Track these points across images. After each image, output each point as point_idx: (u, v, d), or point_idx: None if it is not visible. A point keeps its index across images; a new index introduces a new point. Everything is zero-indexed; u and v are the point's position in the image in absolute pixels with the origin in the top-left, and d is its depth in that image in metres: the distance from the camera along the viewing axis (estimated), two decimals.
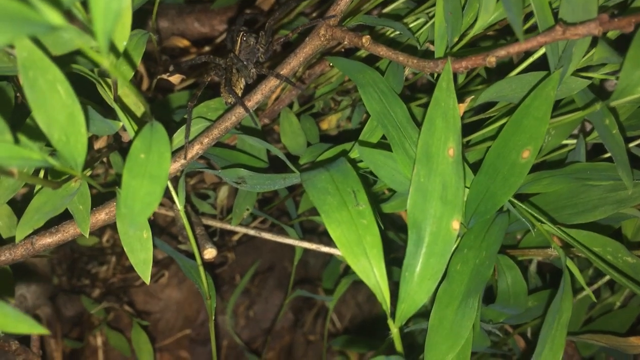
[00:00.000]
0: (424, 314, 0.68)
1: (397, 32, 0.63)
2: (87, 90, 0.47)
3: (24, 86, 0.35)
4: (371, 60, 0.62)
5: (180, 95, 0.74)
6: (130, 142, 0.41)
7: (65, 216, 0.49)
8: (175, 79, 0.65)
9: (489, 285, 0.65)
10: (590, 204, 0.53)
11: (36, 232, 0.49)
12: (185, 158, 0.51)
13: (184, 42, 0.83)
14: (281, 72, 0.52)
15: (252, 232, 0.70)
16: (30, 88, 0.35)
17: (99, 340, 0.87)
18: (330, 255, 0.94)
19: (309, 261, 1.01)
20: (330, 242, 0.62)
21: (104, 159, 0.71)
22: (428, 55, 0.63)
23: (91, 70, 0.49)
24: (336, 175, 0.46)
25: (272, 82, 0.53)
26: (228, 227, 0.71)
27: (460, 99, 0.52)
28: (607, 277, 0.70)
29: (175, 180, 0.56)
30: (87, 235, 0.48)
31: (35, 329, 0.29)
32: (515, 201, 0.52)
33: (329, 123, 0.81)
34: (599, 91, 0.55)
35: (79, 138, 0.38)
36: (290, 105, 0.75)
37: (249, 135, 0.57)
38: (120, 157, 0.67)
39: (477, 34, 0.56)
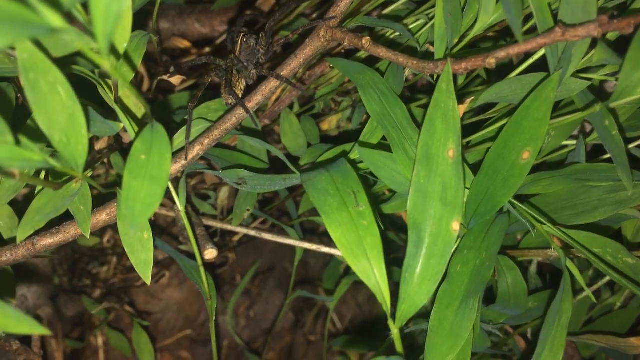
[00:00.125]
0: (424, 314, 0.68)
1: (397, 34, 0.64)
2: (87, 91, 0.47)
3: (25, 88, 0.35)
4: (371, 61, 0.62)
5: (180, 96, 0.74)
6: (131, 143, 0.41)
7: (66, 217, 0.49)
8: (175, 80, 0.65)
9: (489, 286, 0.65)
10: (590, 205, 0.52)
11: (37, 233, 0.49)
12: (186, 159, 0.51)
13: (184, 43, 0.83)
14: (281, 73, 0.52)
15: (252, 233, 0.70)
16: (31, 89, 0.35)
17: (100, 341, 0.87)
18: (331, 256, 0.94)
19: (310, 262, 1.01)
20: (330, 243, 0.62)
21: (105, 160, 0.71)
22: (428, 56, 0.63)
23: (92, 72, 0.49)
24: (336, 176, 0.46)
25: (272, 83, 0.53)
26: (229, 227, 0.71)
27: (460, 100, 0.52)
28: (607, 278, 0.70)
29: (176, 181, 0.56)
30: (88, 236, 0.48)
31: (36, 329, 0.29)
32: (516, 202, 0.52)
33: (329, 124, 0.81)
34: (599, 92, 0.55)
35: (79, 139, 0.38)
36: (291, 106, 0.75)
37: (249, 136, 0.58)
38: (121, 158, 0.67)
39: (476, 36, 0.56)
